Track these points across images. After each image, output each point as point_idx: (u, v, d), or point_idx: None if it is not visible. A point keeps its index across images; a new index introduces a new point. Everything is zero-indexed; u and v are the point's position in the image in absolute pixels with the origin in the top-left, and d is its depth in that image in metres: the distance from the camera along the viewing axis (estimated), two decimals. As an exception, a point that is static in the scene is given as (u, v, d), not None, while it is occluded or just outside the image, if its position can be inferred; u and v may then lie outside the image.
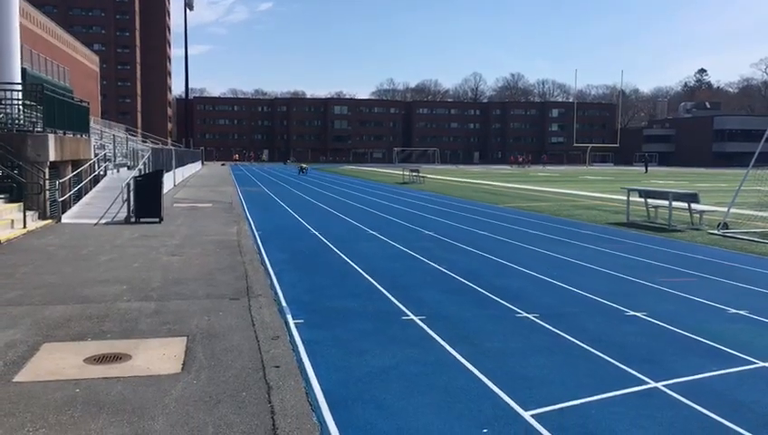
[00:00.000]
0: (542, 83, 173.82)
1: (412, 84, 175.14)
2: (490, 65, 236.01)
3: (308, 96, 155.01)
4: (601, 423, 4.93)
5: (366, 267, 11.44)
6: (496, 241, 15.21)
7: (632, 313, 8.38)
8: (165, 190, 22.11)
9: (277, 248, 13.66)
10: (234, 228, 16.78)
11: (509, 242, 15.06)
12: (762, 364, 6.35)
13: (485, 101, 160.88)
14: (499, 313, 8.36)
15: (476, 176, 59.93)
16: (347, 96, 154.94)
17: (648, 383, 5.80)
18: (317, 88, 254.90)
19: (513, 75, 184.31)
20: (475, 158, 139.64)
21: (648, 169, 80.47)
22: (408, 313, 8.25)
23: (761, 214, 18.02)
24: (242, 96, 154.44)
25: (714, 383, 5.83)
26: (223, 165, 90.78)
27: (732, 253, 13.73)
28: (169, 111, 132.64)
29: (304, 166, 64.59)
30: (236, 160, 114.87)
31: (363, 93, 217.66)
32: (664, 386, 5.73)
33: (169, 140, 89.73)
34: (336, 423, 4.86)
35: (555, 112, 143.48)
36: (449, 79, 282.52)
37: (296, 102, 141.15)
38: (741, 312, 8.48)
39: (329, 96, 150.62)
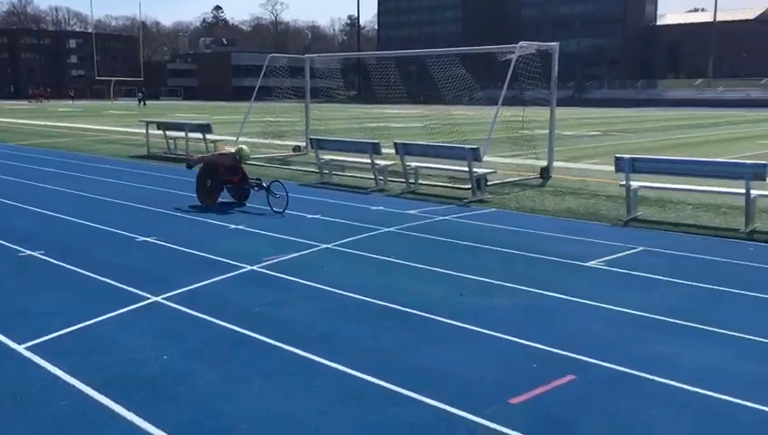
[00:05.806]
0: (56, 10, 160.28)
1: None
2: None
3: None
4: (104, 337, 5.25)
5: None
6: (3, 181, 13.95)
7: (143, 238, 8.75)
8: None
9: None
10: None
11: (19, 181, 13.97)
12: (249, 268, 7.37)
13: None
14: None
15: (-17, 113, 52.80)
16: None
17: (149, 298, 6.25)
18: None
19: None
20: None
21: (146, 103, 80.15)
22: None
23: (265, 141, 20.26)
24: None
25: (208, 290, 6.59)
26: None
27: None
28: None
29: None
30: None
31: None
32: (164, 299, 6.25)
33: None
34: None
35: (73, 43, 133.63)
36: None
37: None
38: (240, 227, 9.58)
39: None
